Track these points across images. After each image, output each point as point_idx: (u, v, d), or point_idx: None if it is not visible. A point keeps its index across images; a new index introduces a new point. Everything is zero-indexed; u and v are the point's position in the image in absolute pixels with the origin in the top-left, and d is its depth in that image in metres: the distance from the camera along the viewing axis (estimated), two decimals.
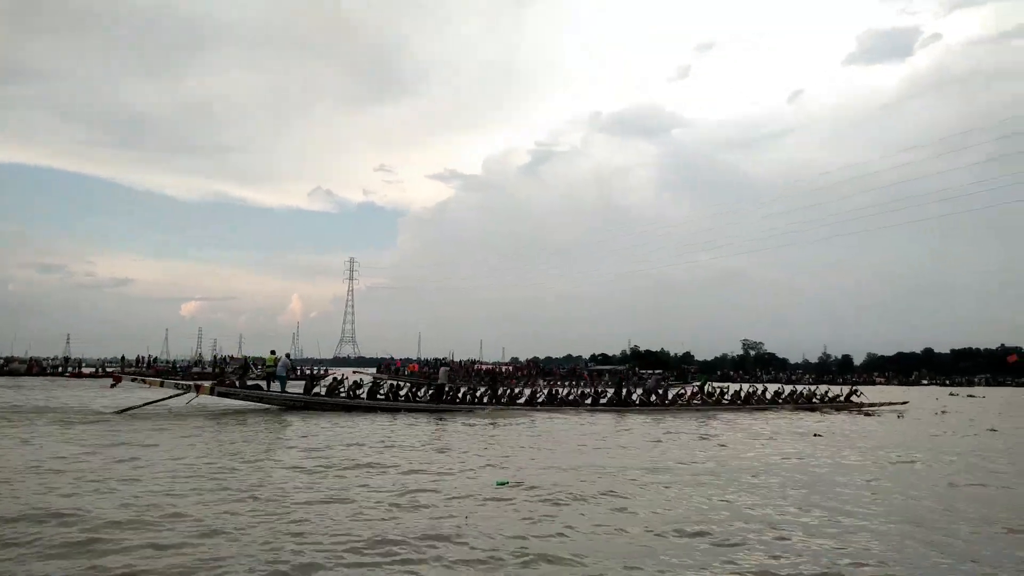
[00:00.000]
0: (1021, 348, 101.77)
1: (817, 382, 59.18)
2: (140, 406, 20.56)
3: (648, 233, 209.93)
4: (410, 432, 17.16)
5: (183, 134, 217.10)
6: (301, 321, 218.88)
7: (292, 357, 30.21)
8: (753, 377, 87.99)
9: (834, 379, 78.21)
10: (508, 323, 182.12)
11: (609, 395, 28.00)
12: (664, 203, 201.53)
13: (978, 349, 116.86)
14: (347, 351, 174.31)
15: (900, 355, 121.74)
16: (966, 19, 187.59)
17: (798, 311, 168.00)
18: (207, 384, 21.98)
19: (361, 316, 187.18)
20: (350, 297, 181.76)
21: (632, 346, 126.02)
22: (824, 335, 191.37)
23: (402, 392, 24.95)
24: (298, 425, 18.07)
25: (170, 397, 21.61)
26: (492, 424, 19.77)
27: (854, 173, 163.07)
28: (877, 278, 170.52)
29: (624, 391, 28.17)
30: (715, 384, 34.63)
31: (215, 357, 79.11)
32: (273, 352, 25.78)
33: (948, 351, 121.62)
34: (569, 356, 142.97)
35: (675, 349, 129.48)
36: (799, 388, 35.21)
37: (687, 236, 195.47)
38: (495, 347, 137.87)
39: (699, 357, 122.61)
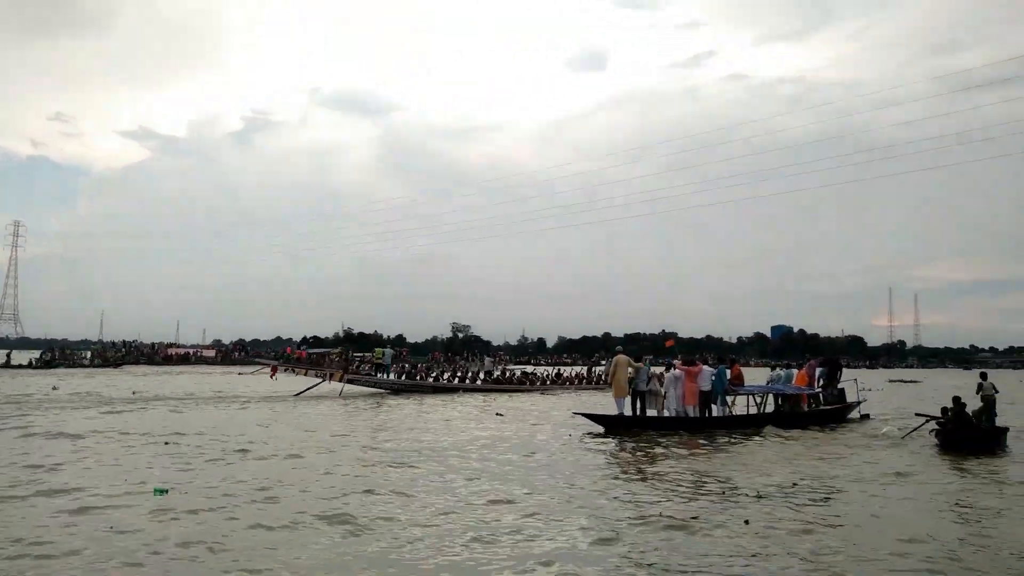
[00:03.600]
0: (677, 333, 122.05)
1: (516, 362, 64.76)
2: (304, 391, 27.02)
3: (364, 214, 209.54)
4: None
5: None
6: None
7: None
8: (462, 357, 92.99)
9: (530, 360, 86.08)
10: (210, 303, 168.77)
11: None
12: (381, 185, 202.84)
13: (645, 334, 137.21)
14: (6, 330, 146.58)
15: (584, 338, 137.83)
16: (652, 45, 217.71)
17: (501, 296, 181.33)
18: (338, 373, 28.28)
19: (27, 290, 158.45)
20: (12, 267, 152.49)
21: (345, 328, 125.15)
22: (523, 319, 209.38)
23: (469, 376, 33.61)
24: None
25: (315, 385, 27.97)
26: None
27: (552, 173, 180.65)
28: (567, 269, 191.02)
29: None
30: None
31: None
32: (379, 348, 34.24)
33: (622, 335, 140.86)
34: (279, 338, 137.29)
35: (388, 331, 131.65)
36: None
37: (402, 220, 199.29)
38: (194, 328, 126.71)
39: (411, 339, 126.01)
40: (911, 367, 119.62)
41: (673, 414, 15.46)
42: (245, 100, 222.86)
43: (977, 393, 14.72)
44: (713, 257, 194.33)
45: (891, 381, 53.37)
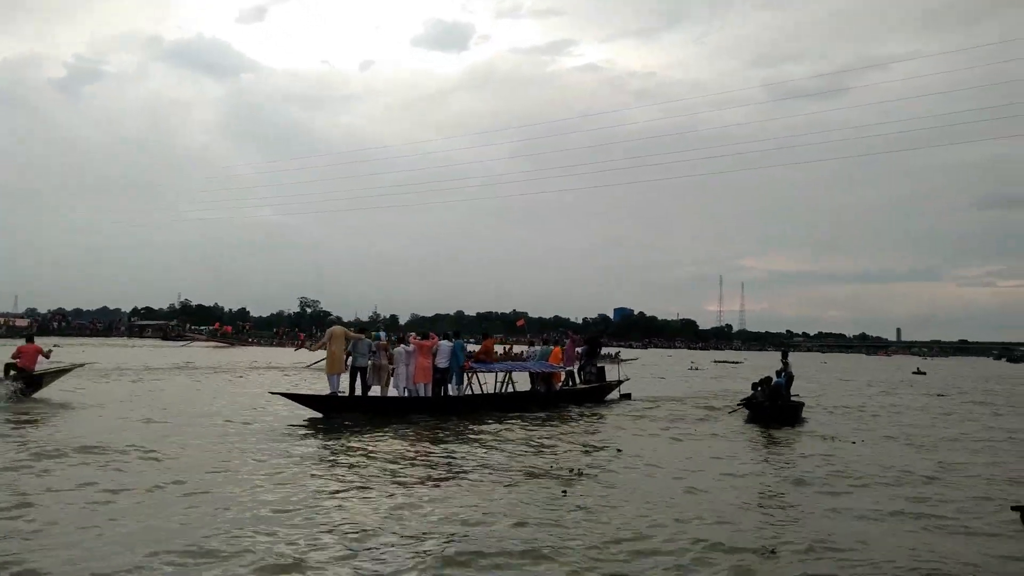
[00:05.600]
0: (528, 313, 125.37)
1: None
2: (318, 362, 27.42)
3: (206, 179, 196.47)
4: None
5: None
6: None
7: None
8: (310, 334, 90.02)
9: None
10: (24, 269, 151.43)
11: None
12: (227, 150, 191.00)
13: (496, 312, 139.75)
14: None
15: (437, 316, 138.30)
16: (511, 29, 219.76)
17: (353, 271, 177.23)
18: None
19: None
20: None
21: (183, 300, 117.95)
22: (375, 295, 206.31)
23: None
24: None
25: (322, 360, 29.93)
26: None
27: (407, 150, 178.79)
28: (420, 246, 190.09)
29: None
30: None
31: None
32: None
33: (474, 314, 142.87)
34: (105, 308, 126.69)
35: (229, 304, 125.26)
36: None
37: (248, 188, 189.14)
38: (4, 297, 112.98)
39: (255, 313, 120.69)
40: (737, 349, 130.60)
41: (402, 393, 13.91)
42: (69, 45, 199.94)
43: (779, 374, 16.03)
44: (564, 241, 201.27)
45: (716, 361, 58.15)
